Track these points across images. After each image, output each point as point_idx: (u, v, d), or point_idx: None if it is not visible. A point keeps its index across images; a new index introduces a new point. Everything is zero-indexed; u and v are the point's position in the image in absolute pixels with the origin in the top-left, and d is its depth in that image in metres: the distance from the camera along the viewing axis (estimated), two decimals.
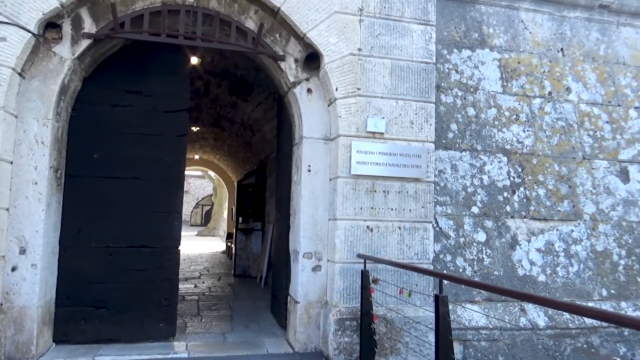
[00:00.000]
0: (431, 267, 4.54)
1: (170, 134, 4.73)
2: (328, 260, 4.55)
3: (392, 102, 4.52)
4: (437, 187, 5.02)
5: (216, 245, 18.89)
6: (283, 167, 5.62)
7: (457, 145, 5.24)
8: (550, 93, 5.66)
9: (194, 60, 6.83)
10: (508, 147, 5.38)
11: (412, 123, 4.56)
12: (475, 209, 5.12)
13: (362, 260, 4.20)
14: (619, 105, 5.84)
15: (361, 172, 4.40)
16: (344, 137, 4.42)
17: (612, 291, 5.18)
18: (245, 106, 7.98)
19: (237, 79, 7.45)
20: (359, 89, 4.45)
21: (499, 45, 5.63)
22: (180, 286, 7.87)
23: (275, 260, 6.15)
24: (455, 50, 5.50)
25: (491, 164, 5.28)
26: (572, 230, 5.30)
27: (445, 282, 4.72)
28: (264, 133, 8.25)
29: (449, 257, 4.90)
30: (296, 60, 4.65)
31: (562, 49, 5.83)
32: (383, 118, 4.48)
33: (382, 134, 4.48)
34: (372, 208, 4.43)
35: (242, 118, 8.79)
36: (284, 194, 5.47)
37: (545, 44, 5.78)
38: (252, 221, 9.48)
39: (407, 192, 4.52)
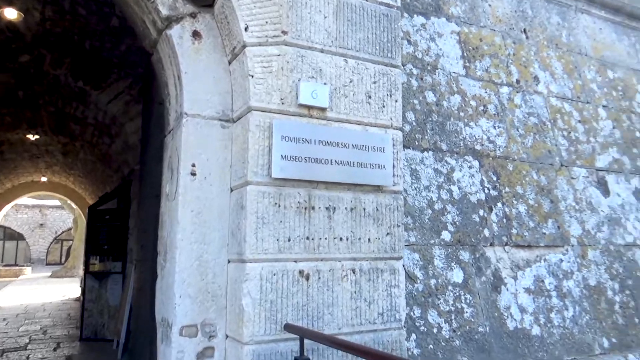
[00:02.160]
0: (404, 335, 2.75)
1: None
2: (228, 337, 2.52)
3: (339, 61, 2.73)
4: None
5: (71, 289, 15.26)
6: (150, 174, 3.49)
7: (417, 143, 3.60)
8: (518, 81, 4.35)
9: (11, 13, 4.43)
10: (478, 147, 3.89)
11: (370, 97, 2.80)
12: (446, 235, 3.48)
13: (296, 336, 2.27)
14: (588, 102, 4.75)
15: (289, 174, 2.50)
16: (259, 114, 2.51)
17: (613, 339, 3.87)
18: (98, 97, 5.63)
19: (86, 53, 5.13)
20: (285, 32, 2.58)
21: (456, 15, 4.21)
22: None
23: (135, 325, 3.89)
24: (406, 15, 3.94)
25: (460, 170, 3.73)
26: (562, 260, 3.94)
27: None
28: (126, 137, 5.93)
29: (417, 311, 3.16)
30: None
31: (525, 30, 4.62)
32: (325, 84, 2.66)
33: (323, 110, 2.64)
34: (307, 238, 2.54)
35: (95, 116, 6.36)
36: (149, 218, 3.35)
37: (507, 21, 4.51)
38: (110, 261, 6.89)
39: (364, 209, 2.71)
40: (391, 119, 2.85)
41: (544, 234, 3.93)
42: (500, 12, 4.50)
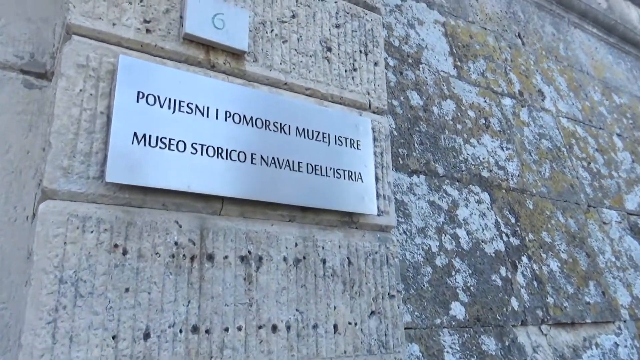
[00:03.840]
0: None
1: None
2: None
3: None
4: None
5: None
6: None
7: (402, 161, 2.29)
8: (521, 93, 3.24)
9: None
10: (485, 174, 2.63)
11: (329, 49, 1.49)
12: (457, 310, 2.09)
13: None
14: (601, 129, 3.71)
15: (152, 177, 1.06)
16: (88, 43, 1.11)
17: None
18: None
19: None
20: None
21: (439, 3, 3.12)
22: None
23: None
24: None
25: (467, 206, 2.42)
26: (617, 344, 2.62)
27: None
28: None
29: None
30: None
31: (520, 35, 3.61)
32: (243, 9, 1.33)
33: (239, 56, 1.28)
34: (195, 331, 1.07)
35: None
36: None
37: (498, 21, 3.49)
38: None
39: (324, 260, 1.29)
40: (369, 94, 1.53)
41: (588, 303, 2.62)
42: (489, 10, 3.47)
